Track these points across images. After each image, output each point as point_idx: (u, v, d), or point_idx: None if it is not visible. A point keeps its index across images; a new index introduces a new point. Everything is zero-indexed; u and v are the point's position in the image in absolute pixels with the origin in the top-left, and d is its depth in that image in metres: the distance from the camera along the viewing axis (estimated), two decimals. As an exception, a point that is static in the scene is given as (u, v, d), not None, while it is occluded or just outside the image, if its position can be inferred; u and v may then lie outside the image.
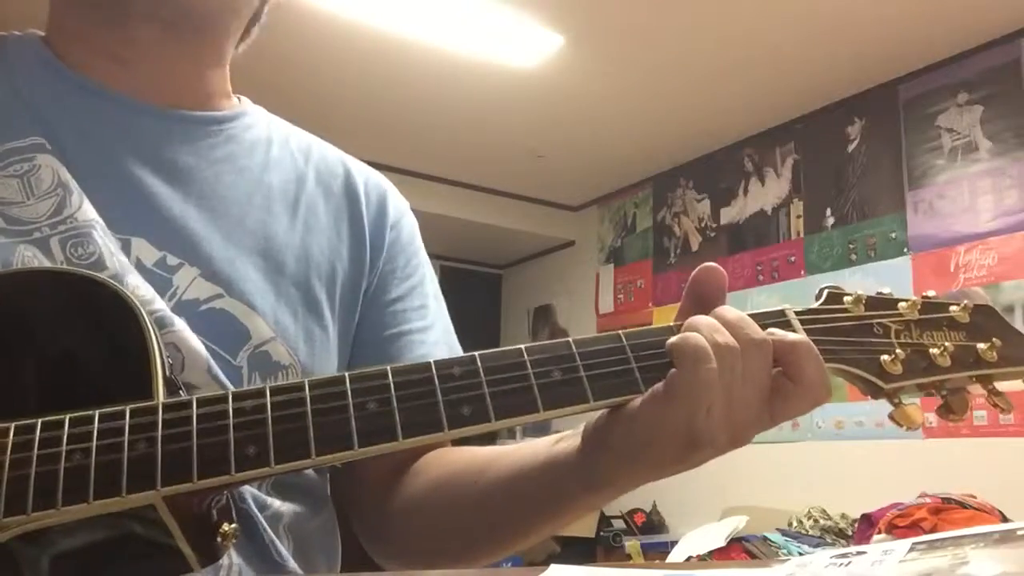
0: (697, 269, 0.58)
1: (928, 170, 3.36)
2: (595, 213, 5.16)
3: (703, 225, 4.40)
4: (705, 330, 0.52)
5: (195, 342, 0.62)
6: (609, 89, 3.69)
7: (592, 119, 4.00)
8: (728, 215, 4.26)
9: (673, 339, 0.53)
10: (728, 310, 0.54)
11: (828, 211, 3.74)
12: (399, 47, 3.36)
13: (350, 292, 0.77)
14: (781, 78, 3.54)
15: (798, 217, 3.88)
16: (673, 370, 0.52)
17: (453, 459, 0.74)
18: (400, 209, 0.85)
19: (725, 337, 0.52)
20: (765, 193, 4.07)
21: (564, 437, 0.61)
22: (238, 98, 0.81)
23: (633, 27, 3.18)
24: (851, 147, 3.68)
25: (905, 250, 3.38)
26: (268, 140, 0.79)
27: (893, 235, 3.44)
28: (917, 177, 3.40)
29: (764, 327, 0.55)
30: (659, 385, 0.52)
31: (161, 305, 0.62)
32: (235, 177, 0.73)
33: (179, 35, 0.72)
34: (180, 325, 0.62)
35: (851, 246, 3.60)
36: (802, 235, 3.84)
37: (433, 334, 0.81)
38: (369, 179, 0.84)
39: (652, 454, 0.53)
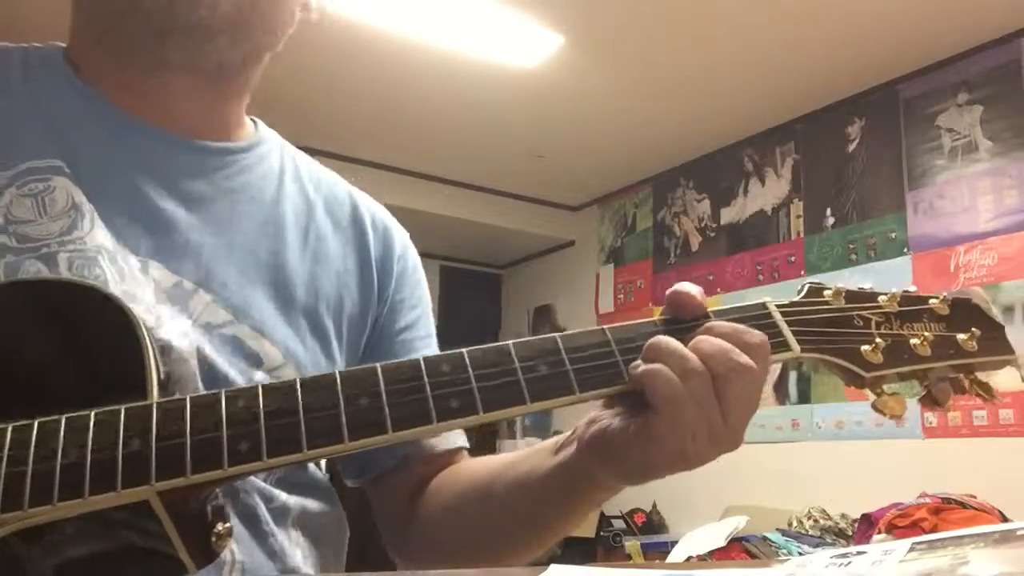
0: (669, 294, 0.58)
1: (928, 170, 3.36)
2: (595, 213, 5.16)
3: (703, 225, 4.40)
4: (677, 367, 0.52)
5: (191, 371, 0.63)
6: (609, 89, 3.69)
7: (592, 119, 4.00)
8: (728, 215, 4.26)
9: (648, 384, 0.53)
10: (708, 341, 0.54)
11: (828, 211, 3.74)
12: (399, 47, 3.37)
13: (357, 321, 0.79)
14: (781, 78, 3.54)
15: (798, 217, 3.89)
16: (651, 414, 0.53)
17: (466, 475, 0.77)
18: (404, 241, 0.87)
19: (699, 372, 0.52)
20: (765, 193, 4.07)
21: (562, 445, 0.62)
22: (253, 121, 0.83)
23: (633, 27, 3.19)
24: (851, 147, 3.68)
25: (905, 250, 3.38)
26: (281, 170, 0.80)
27: (893, 235, 3.44)
28: (917, 177, 3.40)
29: (745, 320, 0.56)
30: (641, 426, 0.53)
31: (163, 334, 0.62)
32: (248, 207, 0.75)
33: (208, 82, 0.74)
34: (177, 355, 0.62)
35: (851, 246, 3.61)
36: (802, 235, 3.84)
37: None
38: (375, 213, 0.86)
39: (649, 474, 0.56)
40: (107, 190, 0.67)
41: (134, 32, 0.70)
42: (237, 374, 0.66)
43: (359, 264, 0.81)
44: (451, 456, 0.81)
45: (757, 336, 0.54)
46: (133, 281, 0.64)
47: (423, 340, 0.84)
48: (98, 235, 0.64)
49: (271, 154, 0.81)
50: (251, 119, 0.83)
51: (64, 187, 0.65)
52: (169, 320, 0.64)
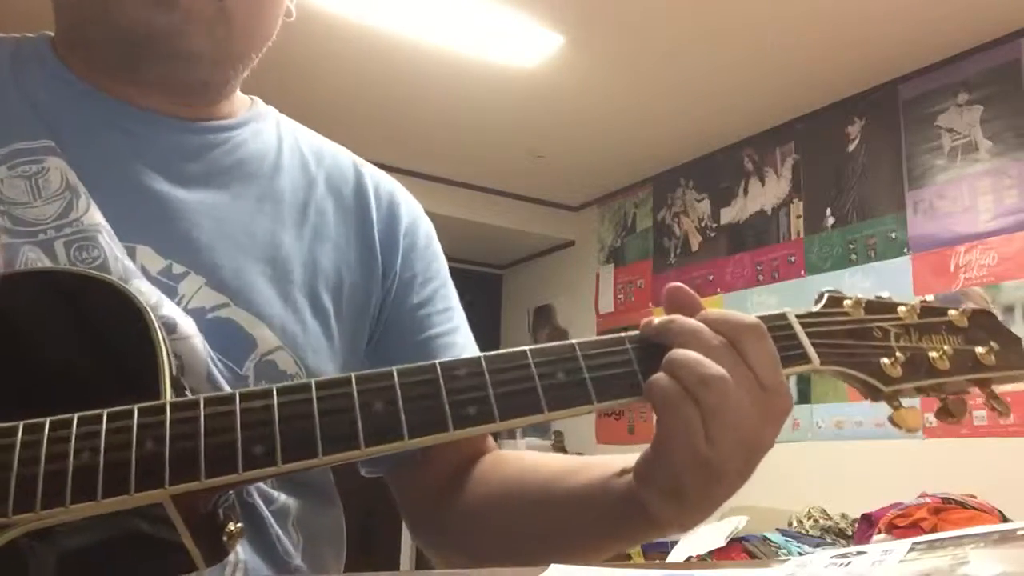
0: (664, 292, 0.58)
1: (928, 170, 3.36)
2: (595, 213, 5.16)
3: (703, 225, 4.40)
4: (678, 368, 0.52)
5: (198, 349, 0.62)
6: (609, 89, 3.69)
7: (592, 119, 4.00)
8: (728, 215, 4.26)
9: (646, 384, 0.53)
10: (707, 335, 0.53)
11: (828, 211, 3.74)
12: (399, 47, 3.37)
13: (358, 300, 0.77)
14: (781, 78, 3.54)
15: (798, 217, 3.88)
16: (659, 416, 0.53)
17: (513, 472, 0.75)
18: (413, 214, 0.84)
19: (702, 371, 0.52)
20: (765, 193, 4.07)
21: (627, 469, 0.61)
22: (251, 99, 0.81)
23: (633, 27, 3.19)
24: (851, 147, 3.68)
25: (905, 250, 3.38)
26: (278, 145, 0.78)
27: (893, 235, 3.44)
28: (917, 177, 3.40)
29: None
30: (656, 432, 0.54)
31: (167, 311, 0.62)
32: (244, 185, 0.73)
33: (185, 94, 0.73)
34: (183, 332, 0.62)
35: (851, 246, 3.60)
36: (802, 235, 3.84)
37: (461, 335, 0.81)
38: (380, 184, 0.83)
39: (684, 487, 0.54)
40: (97, 173, 0.66)
41: (110, 53, 0.70)
42: (228, 360, 0.65)
43: (360, 238, 0.78)
44: (480, 442, 0.80)
45: (749, 319, 0.54)
46: (126, 262, 0.63)
47: (442, 314, 0.81)
48: (95, 214, 0.63)
49: (267, 129, 0.79)
50: (249, 97, 0.81)
51: (58, 167, 0.64)
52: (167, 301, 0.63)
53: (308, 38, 3.23)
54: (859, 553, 0.45)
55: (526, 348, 0.53)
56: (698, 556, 3.05)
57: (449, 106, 3.91)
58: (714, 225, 4.33)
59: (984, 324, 0.63)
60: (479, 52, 3.40)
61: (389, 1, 3.07)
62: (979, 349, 0.60)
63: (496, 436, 0.77)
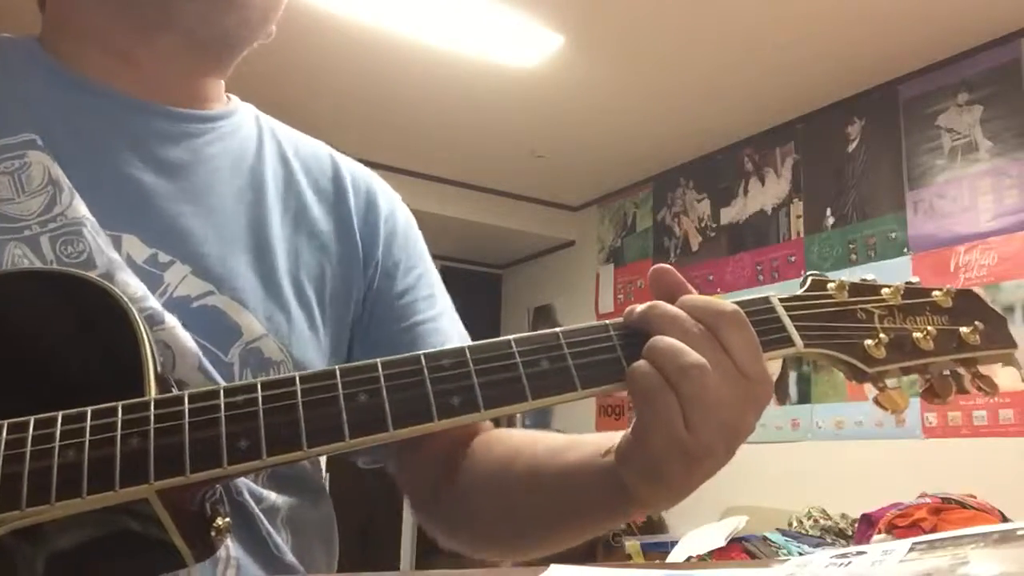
0: (650, 272, 0.58)
1: (928, 170, 3.36)
2: (595, 213, 5.16)
3: (703, 225, 4.40)
4: (658, 356, 0.52)
5: (186, 339, 0.62)
6: (609, 89, 3.69)
7: (592, 119, 4.00)
8: (728, 215, 4.26)
9: (627, 372, 0.52)
10: (687, 323, 0.53)
11: (828, 211, 3.74)
12: (399, 47, 3.37)
13: (339, 290, 0.77)
14: (781, 78, 3.54)
15: (798, 217, 3.89)
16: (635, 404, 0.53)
17: (507, 450, 0.75)
18: (391, 201, 0.85)
19: (682, 360, 0.51)
20: (765, 193, 4.07)
21: (612, 450, 0.61)
22: (228, 96, 0.82)
23: (633, 27, 3.19)
24: (851, 147, 3.69)
25: (905, 250, 3.38)
26: (259, 138, 0.79)
27: (893, 235, 3.44)
28: (917, 177, 3.40)
29: (749, 315, 0.55)
30: (635, 419, 0.53)
31: (152, 303, 0.62)
32: (227, 174, 0.74)
33: (200, 50, 0.73)
34: (171, 322, 0.62)
35: (851, 246, 3.61)
36: (802, 235, 3.84)
37: (444, 321, 0.82)
38: (356, 175, 0.84)
39: (663, 471, 0.54)
40: (81, 162, 0.66)
41: (135, 6, 0.69)
42: (213, 347, 0.65)
43: (339, 229, 0.79)
44: (475, 423, 0.79)
45: (728, 307, 0.54)
46: (111, 255, 0.63)
47: (426, 300, 0.81)
48: (78, 207, 0.64)
49: (248, 122, 0.80)
50: (227, 95, 0.82)
51: (40, 161, 0.64)
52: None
53: (308, 38, 3.23)
54: (859, 553, 0.45)
55: (510, 337, 0.53)
56: (698, 556, 3.05)
57: (449, 106, 3.91)
58: (714, 225, 4.33)
59: (969, 304, 0.62)
60: (479, 52, 3.40)
61: (389, 1, 3.07)
62: (963, 329, 0.60)
63: (497, 426, 0.77)
